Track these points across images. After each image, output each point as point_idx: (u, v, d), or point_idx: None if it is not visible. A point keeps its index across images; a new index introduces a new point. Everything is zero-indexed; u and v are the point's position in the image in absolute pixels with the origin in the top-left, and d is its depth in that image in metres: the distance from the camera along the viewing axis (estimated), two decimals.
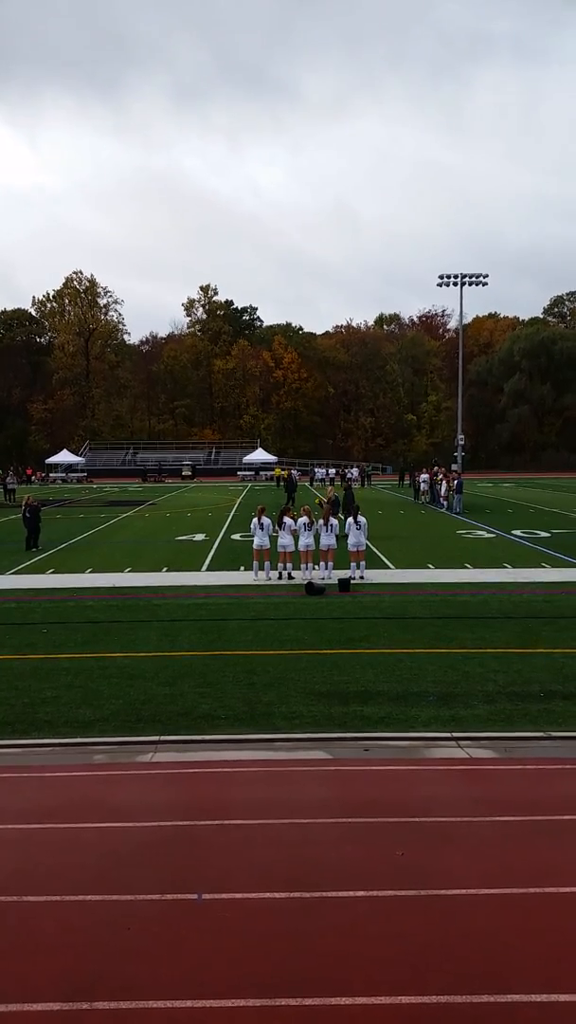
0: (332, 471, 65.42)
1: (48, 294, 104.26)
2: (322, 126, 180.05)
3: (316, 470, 68.11)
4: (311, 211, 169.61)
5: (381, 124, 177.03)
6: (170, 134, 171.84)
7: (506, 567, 20.18)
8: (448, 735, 9.02)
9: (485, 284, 65.21)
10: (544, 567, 20.21)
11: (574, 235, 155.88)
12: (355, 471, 65.24)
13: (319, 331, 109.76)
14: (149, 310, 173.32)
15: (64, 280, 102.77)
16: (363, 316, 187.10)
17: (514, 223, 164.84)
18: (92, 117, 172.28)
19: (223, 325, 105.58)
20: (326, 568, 18.69)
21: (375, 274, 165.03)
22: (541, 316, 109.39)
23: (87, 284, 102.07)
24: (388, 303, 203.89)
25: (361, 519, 18.96)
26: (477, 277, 64.86)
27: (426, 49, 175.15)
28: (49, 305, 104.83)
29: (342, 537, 19.36)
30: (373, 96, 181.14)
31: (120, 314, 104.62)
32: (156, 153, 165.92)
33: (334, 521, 19.01)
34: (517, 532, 27.45)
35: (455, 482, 36.55)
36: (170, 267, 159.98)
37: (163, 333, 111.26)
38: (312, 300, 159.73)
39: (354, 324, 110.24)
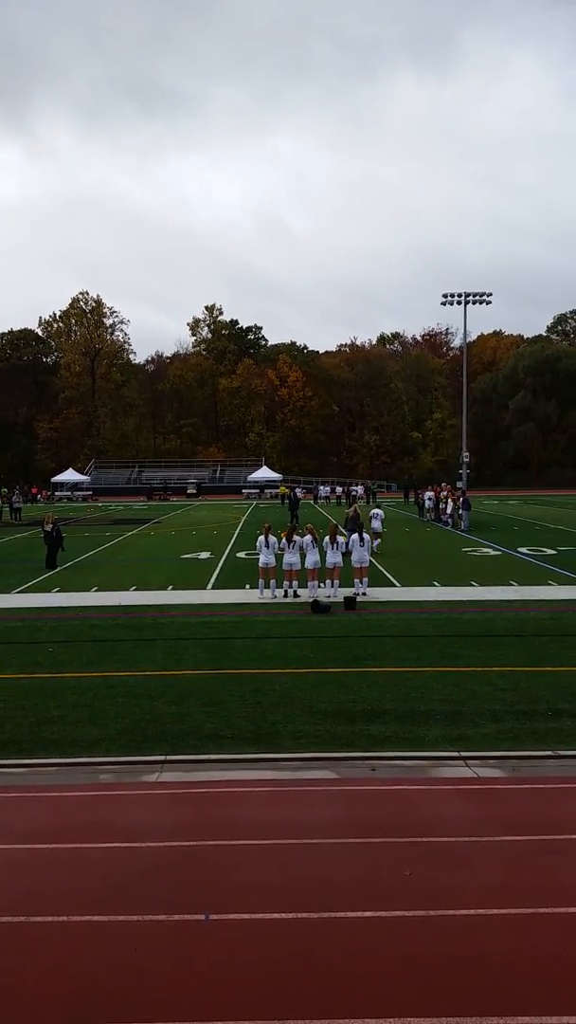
0: (339, 488, 65.41)
1: (55, 314, 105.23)
2: (239, 139, 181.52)
3: (320, 488, 68.07)
4: (246, 226, 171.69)
5: (294, 136, 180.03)
6: (85, 154, 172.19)
7: (512, 584, 20.14)
8: (455, 754, 8.99)
9: (489, 303, 65.50)
10: (551, 584, 20.16)
11: (522, 251, 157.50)
12: (360, 489, 65.24)
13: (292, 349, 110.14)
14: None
15: (71, 300, 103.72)
16: (328, 331, 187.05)
17: (464, 238, 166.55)
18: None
19: (228, 344, 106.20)
20: (332, 586, 18.71)
21: (329, 289, 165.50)
22: (544, 334, 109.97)
23: (93, 304, 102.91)
24: (353, 322, 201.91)
25: (366, 536, 19.03)
26: (481, 296, 65.12)
27: (325, 57, 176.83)
28: (56, 325, 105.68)
29: (347, 555, 19.38)
30: (282, 108, 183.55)
31: (126, 334, 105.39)
32: (74, 175, 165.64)
33: (340, 539, 19.05)
34: (523, 549, 27.41)
35: (461, 499, 36.52)
36: (119, 286, 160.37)
37: (168, 353, 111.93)
38: (272, 316, 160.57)
39: (358, 343, 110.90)
